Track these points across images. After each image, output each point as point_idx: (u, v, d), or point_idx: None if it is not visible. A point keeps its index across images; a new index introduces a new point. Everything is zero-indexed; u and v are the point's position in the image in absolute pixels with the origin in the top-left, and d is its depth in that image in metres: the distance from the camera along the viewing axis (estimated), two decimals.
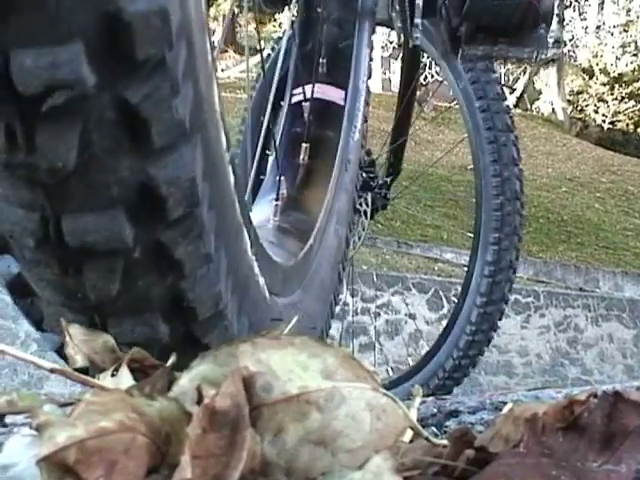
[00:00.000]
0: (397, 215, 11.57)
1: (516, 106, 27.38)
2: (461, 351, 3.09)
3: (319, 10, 1.65)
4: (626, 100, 25.87)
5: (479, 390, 8.47)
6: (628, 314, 9.94)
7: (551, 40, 2.24)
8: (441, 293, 9.03)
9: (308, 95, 1.60)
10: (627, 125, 26.07)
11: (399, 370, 8.48)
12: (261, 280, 1.01)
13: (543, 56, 2.07)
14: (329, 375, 0.58)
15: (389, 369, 6.71)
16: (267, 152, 1.67)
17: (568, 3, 28.70)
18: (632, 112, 25.82)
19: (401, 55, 2.72)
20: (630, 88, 25.82)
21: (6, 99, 0.61)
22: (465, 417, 0.87)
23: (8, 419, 0.82)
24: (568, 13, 29.01)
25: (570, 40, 30.62)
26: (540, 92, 28.51)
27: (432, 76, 21.13)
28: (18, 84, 0.59)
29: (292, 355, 0.59)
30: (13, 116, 0.62)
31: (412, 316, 8.85)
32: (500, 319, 3.12)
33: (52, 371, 0.63)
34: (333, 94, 1.68)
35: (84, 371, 0.76)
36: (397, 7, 1.99)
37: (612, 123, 25.81)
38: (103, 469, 0.48)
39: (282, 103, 1.69)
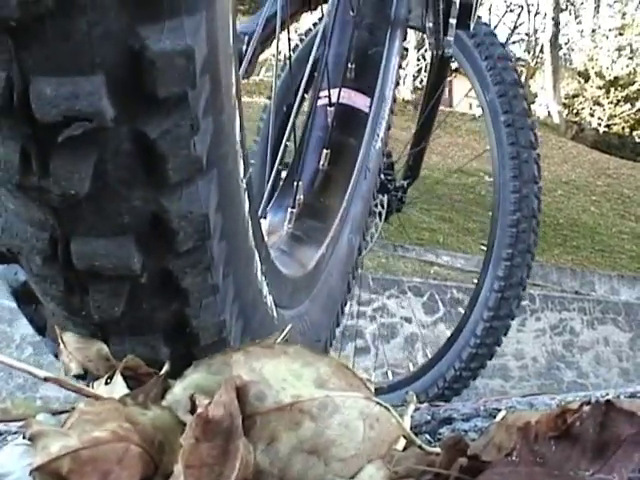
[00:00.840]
0: (392, 218, 11.56)
1: None
2: (463, 362, 3.08)
3: (352, 14, 1.64)
4: (622, 103, 25.90)
5: (475, 393, 8.47)
6: (624, 317, 9.94)
7: None
8: (437, 296, 9.02)
9: (334, 99, 1.58)
10: (623, 128, 26.09)
11: (396, 374, 8.48)
12: (269, 300, 1.00)
13: None
14: (322, 384, 0.58)
15: (389, 372, 6.71)
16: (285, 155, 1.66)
17: (564, 6, 28.75)
18: (628, 115, 25.84)
19: (429, 63, 2.72)
20: (626, 91, 25.85)
21: (23, 123, 0.60)
22: (459, 424, 0.87)
23: (2, 427, 0.82)
24: (564, 17, 29.07)
25: (566, 43, 30.67)
26: (536, 95, 28.52)
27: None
28: (36, 112, 0.59)
29: (285, 364, 0.59)
30: (29, 140, 0.61)
31: (408, 319, 8.84)
32: (505, 334, 3.12)
33: (46, 380, 0.63)
34: (359, 100, 1.67)
35: (79, 378, 0.76)
36: (431, 17, 1.99)
37: (608, 126, 25.83)
38: (97, 479, 0.48)
39: (306, 105, 1.68)
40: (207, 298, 0.77)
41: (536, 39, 32.53)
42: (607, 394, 1.05)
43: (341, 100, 1.63)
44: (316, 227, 1.51)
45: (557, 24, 26.87)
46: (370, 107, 1.68)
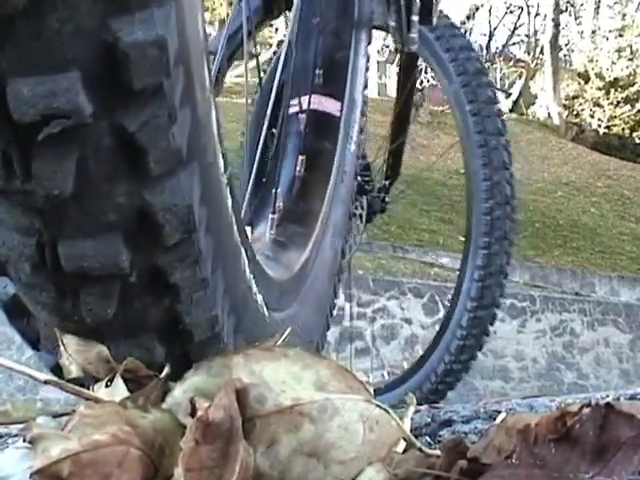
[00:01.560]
0: (393, 219, 11.57)
1: (512, 111, 27.42)
2: (453, 355, 3.09)
3: (315, 20, 1.64)
4: (622, 105, 25.89)
5: (475, 395, 8.47)
6: (624, 319, 9.94)
7: None
8: (437, 298, 9.02)
9: (304, 106, 1.59)
10: (623, 130, 26.08)
11: (393, 374, 8.47)
12: (259, 298, 1.01)
13: None
14: (322, 387, 0.59)
15: (385, 373, 6.71)
16: (265, 161, 1.67)
17: (564, 8, 28.76)
18: (628, 117, 25.83)
19: (398, 60, 2.73)
20: (626, 93, 25.84)
21: (2, 127, 0.60)
22: (459, 426, 0.87)
23: (2, 430, 0.82)
24: (564, 18, 29.08)
25: (566, 45, 30.68)
26: (536, 96, 28.52)
27: (428, 80, 21.17)
28: (14, 113, 0.59)
29: (285, 367, 0.59)
30: (9, 144, 0.61)
31: (408, 321, 8.84)
32: (492, 324, 3.12)
33: (46, 382, 0.63)
34: (329, 105, 1.67)
35: (79, 381, 0.76)
36: (394, 15, 2.00)
37: (608, 127, 25.82)
38: None
39: (279, 114, 1.68)
40: (197, 292, 0.77)
41: (536, 40, 32.54)
42: (607, 396, 1.05)
43: (312, 106, 1.63)
44: (298, 232, 1.51)
45: (557, 25, 26.87)
46: (341, 111, 1.68)
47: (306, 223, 1.54)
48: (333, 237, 1.61)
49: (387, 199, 3.03)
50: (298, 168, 1.57)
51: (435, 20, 2.06)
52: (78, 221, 0.66)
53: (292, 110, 1.59)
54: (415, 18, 1.96)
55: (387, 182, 3.03)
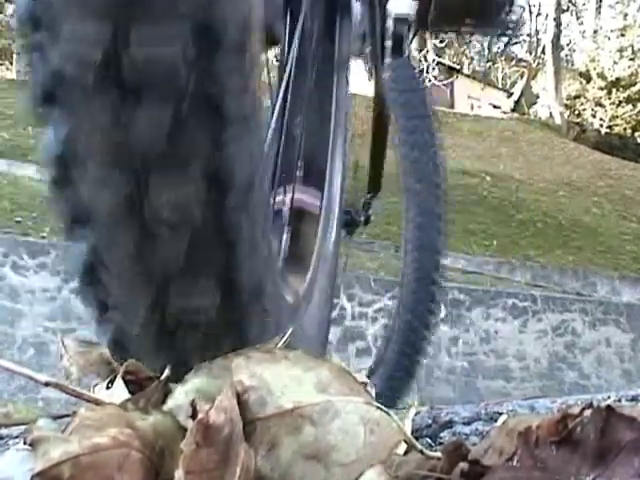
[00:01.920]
0: (394, 219, 11.58)
1: (513, 110, 27.43)
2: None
3: (297, 121, 1.63)
4: (623, 104, 25.90)
5: (476, 395, 8.47)
6: (625, 318, 9.94)
7: (512, 21, 2.41)
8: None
9: (287, 200, 1.57)
10: (624, 129, 26.10)
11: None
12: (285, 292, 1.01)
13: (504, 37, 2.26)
14: (323, 389, 0.58)
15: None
16: None
17: (565, 7, 28.77)
18: (629, 116, 25.85)
19: (374, 88, 2.75)
20: (627, 92, 25.86)
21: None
22: (460, 428, 0.87)
23: (3, 431, 0.82)
24: (565, 17, 29.08)
25: (567, 44, 30.69)
26: (537, 96, 28.56)
27: (429, 80, 21.18)
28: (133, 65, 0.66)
29: (286, 369, 0.59)
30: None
31: None
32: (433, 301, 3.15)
33: (47, 384, 0.63)
34: (308, 198, 1.66)
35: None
36: (370, 46, 2.06)
37: (609, 127, 25.84)
38: None
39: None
40: (253, 252, 0.78)
41: (538, 40, 32.55)
42: (609, 397, 1.05)
43: (293, 200, 1.62)
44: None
45: (559, 25, 26.90)
46: (321, 203, 1.67)
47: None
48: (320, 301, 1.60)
49: (370, 215, 3.03)
50: (283, 246, 1.55)
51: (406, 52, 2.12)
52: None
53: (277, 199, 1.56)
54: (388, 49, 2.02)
55: (369, 196, 3.03)
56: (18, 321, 7.34)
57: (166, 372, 0.69)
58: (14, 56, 20.29)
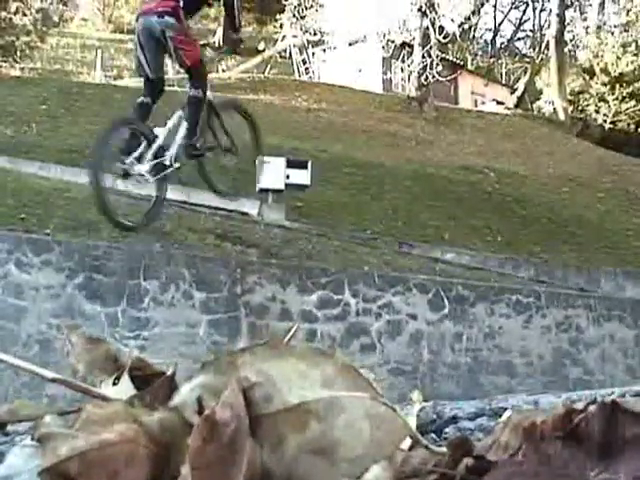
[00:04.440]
0: (398, 215, 11.57)
1: (517, 106, 27.39)
2: None
3: None
4: (627, 100, 25.85)
5: (481, 390, 8.47)
6: (629, 314, 9.92)
7: None
8: (442, 293, 9.02)
9: None
10: (628, 125, 26.05)
11: (399, 370, 8.48)
12: None
13: None
14: (328, 384, 0.59)
15: None
16: None
17: (569, 3, 28.71)
18: (633, 112, 25.79)
19: None
20: (631, 88, 25.79)
21: None
22: (465, 423, 0.87)
23: (10, 427, 0.82)
24: (569, 13, 29.03)
25: (571, 40, 30.61)
26: (541, 92, 28.49)
27: (433, 76, 21.15)
28: None
29: (292, 365, 0.59)
30: None
31: (413, 316, 8.84)
32: None
33: (53, 380, 0.63)
34: None
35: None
36: None
37: (613, 123, 25.78)
38: None
39: None
40: None
41: (541, 35, 32.48)
42: (612, 393, 1.05)
43: None
44: None
45: (562, 21, 26.83)
46: None
47: None
48: None
49: None
50: None
51: None
52: None
53: None
54: None
55: None
56: (23, 318, 7.34)
57: (172, 368, 0.69)
58: (18, 53, 20.26)
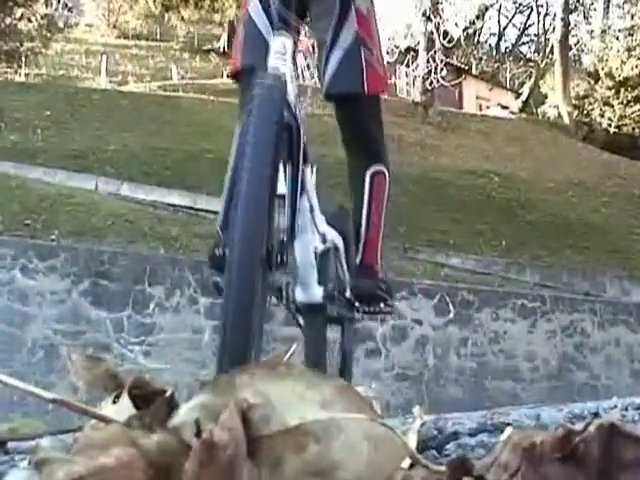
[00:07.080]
0: (403, 220, 11.56)
1: (522, 110, 27.39)
2: None
3: None
4: (632, 104, 25.82)
5: (486, 396, 8.46)
6: (635, 319, 9.92)
7: None
8: (447, 298, 9.02)
9: None
10: (633, 129, 26.03)
11: (404, 375, 8.48)
12: None
13: None
14: (327, 406, 0.59)
15: None
16: None
17: (573, 7, 28.71)
18: (638, 116, 25.77)
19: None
20: (636, 92, 25.77)
21: None
22: (465, 439, 0.87)
23: (10, 445, 0.82)
24: (573, 17, 29.03)
25: (576, 44, 30.62)
26: (546, 96, 28.47)
27: (437, 81, 21.15)
28: None
29: (290, 386, 0.59)
30: None
31: (418, 321, 8.84)
32: None
33: (53, 401, 0.63)
34: None
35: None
36: None
37: (618, 127, 25.76)
38: None
39: None
40: None
41: (546, 40, 32.51)
42: (615, 406, 1.05)
43: None
44: None
45: (567, 25, 26.84)
46: None
47: None
48: None
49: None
50: None
51: None
52: None
53: None
54: None
55: None
56: (28, 324, 7.35)
57: (171, 389, 0.69)
58: (23, 59, 20.28)
